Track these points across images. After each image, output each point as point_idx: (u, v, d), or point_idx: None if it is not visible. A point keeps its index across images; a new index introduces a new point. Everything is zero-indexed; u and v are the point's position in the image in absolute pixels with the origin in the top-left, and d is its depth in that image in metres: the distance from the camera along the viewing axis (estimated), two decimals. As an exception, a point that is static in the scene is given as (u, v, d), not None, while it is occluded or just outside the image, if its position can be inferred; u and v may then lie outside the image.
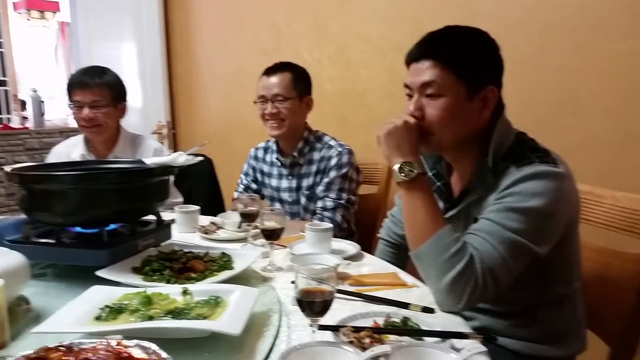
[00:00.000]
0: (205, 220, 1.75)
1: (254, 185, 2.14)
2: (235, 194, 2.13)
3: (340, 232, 1.86)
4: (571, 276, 1.22)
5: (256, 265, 1.25)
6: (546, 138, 1.20)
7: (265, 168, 2.11)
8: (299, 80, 1.98)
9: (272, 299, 1.05)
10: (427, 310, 1.01)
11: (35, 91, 5.48)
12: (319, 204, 1.93)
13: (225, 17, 3.28)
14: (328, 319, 0.86)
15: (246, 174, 2.17)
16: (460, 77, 1.12)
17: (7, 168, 1.17)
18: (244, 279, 1.16)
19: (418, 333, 0.89)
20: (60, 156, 2.14)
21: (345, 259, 1.33)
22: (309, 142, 2.00)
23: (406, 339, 0.86)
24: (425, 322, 0.94)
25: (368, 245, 1.78)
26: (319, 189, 1.94)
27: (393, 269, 1.31)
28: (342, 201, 1.91)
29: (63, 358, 0.68)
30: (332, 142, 2.00)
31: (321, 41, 2.75)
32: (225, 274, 1.12)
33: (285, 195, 2.04)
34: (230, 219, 1.65)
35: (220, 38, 3.34)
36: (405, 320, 0.93)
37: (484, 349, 0.82)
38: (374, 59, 2.53)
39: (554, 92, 1.97)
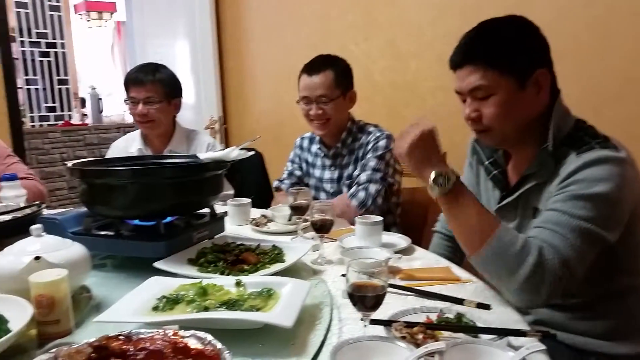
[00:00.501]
0: (256, 212, 1.77)
1: (298, 172, 2.13)
2: (276, 183, 2.14)
3: (379, 211, 1.82)
4: (636, 268, 1.16)
5: (306, 258, 1.26)
6: (607, 127, 1.15)
7: (310, 158, 2.11)
8: (341, 77, 1.94)
9: (322, 292, 1.05)
10: (483, 306, 0.99)
11: (93, 89, 5.73)
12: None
13: (275, 12, 3.30)
14: (379, 313, 0.86)
15: (292, 162, 2.16)
16: (504, 72, 1.10)
17: (69, 163, 1.22)
18: (294, 271, 1.17)
19: (473, 330, 0.87)
20: (119, 151, 2.23)
21: (396, 252, 1.31)
22: (351, 133, 1.98)
23: (461, 335, 0.84)
24: (481, 318, 0.92)
25: (419, 239, 1.75)
26: (356, 172, 1.92)
27: (446, 263, 1.29)
28: (376, 177, 1.86)
29: (123, 347, 0.71)
30: (372, 129, 1.97)
31: (370, 33, 2.72)
32: (277, 267, 1.13)
33: (327, 187, 2.03)
34: (280, 211, 1.66)
35: (270, 33, 3.37)
36: (460, 316, 0.91)
37: (543, 347, 0.79)
38: (424, 49, 2.48)
39: (616, 80, 1.87)
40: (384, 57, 2.68)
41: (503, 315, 0.97)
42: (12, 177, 1.56)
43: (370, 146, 1.91)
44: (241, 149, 1.30)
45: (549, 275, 0.97)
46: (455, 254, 1.44)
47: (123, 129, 5.34)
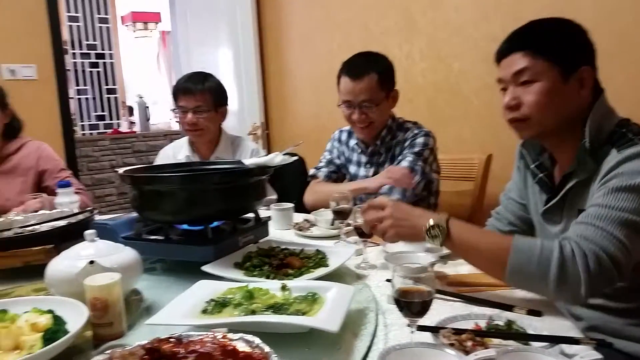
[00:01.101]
0: (299, 217, 1.78)
1: (337, 161, 2.08)
2: (312, 171, 2.10)
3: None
4: None
5: (350, 262, 1.26)
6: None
7: (347, 152, 2.07)
8: (385, 78, 1.87)
9: (367, 297, 1.05)
10: (533, 313, 0.96)
11: (141, 97, 5.92)
12: None
13: (315, 18, 3.32)
14: (426, 319, 0.85)
15: (330, 152, 2.12)
16: (551, 60, 1.10)
17: (120, 170, 1.26)
18: (338, 276, 1.17)
19: (525, 337, 0.84)
20: (167, 157, 2.29)
21: (442, 257, 1.29)
22: (391, 131, 1.94)
23: (511, 343, 0.82)
24: (532, 325, 0.89)
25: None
26: None
27: (493, 269, 1.25)
28: (415, 164, 1.81)
29: (174, 349, 0.73)
30: (411, 126, 1.93)
31: (411, 35, 2.70)
32: (321, 271, 1.13)
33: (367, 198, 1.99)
34: (323, 216, 1.67)
35: (310, 39, 3.39)
36: (510, 323, 0.89)
37: (598, 355, 0.76)
38: (468, 49, 2.44)
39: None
40: (426, 58, 2.65)
41: (555, 322, 0.94)
42: (67, 184, 1.63)
43: (407, 143, 1.87)
44: (284, 154, 1.32)
45: (581, 263, 0.93)
46: None
47: (170, 136, 5.48)
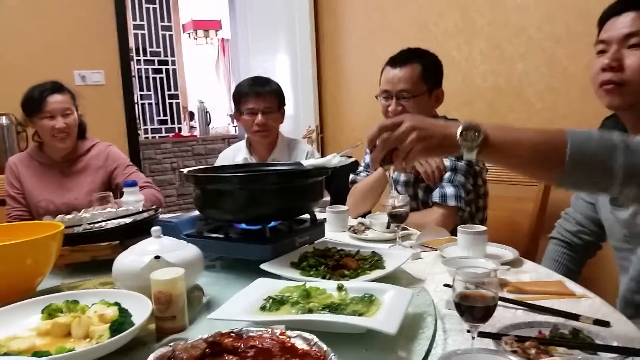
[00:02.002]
0: (353, 220, 1.78)
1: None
2: (352, 177, 2.05)
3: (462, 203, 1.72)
4: None
5: (406, 266, 1.24)
6: None
7: None
8: (430, 72, 1.79)
9: (425, 301, 1.03)
10: (601, 323, 0.91)
11: (201, 102, 6.12)
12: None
13: (373, 21, 3.32)
14: (486, 326, 0.82)
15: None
16: None
17: (184, 170, 1.31)
18: (394, 278, 1.16)
19: (592, 347, 0.80)
20: (227, 159, 2.37)
21: (503, 264, 1.25)
22: None
23: (577, 352, 0.78)
24: (599, 335, 0.84)
25: (527, 250, 1.66)
26: None
27: (558, 277, 1.20)
28: (459, 164, 1.73)
29: (234, 343, 0.74)
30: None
31: (471, 36, 2.64)
32: (377, 273, 1.12)
33: (401, 190, 1.90)
34: (378, 219, 1.65)
35: (367, 43, 3.39)
36: (576, 332, 0.85)
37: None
38: (531, 51, 2.35)
39: None
40: (487, 60, 2.58)
41: (624, 334, 0.88)
42: (133, 184, 1.71)
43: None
44: (342, 155, 1.32)
45: None
46: (573, 263, 1.36)
47: (227, 140, 5.64)
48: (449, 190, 1.74)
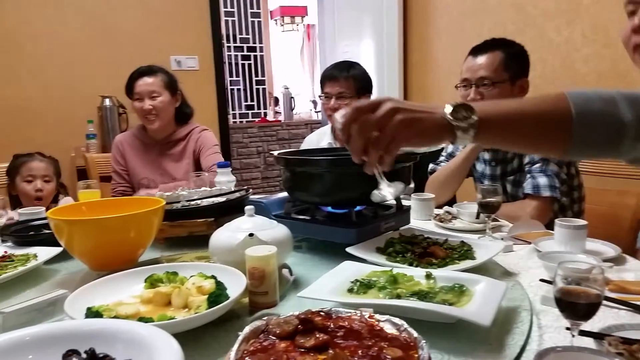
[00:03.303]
0: (439, 209, 1.74)
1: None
2: (431, 166, 2.01)
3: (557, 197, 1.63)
4: None
5: (497, 258, 1.19)
6: None
7: None
8: (513, 60, 1.70)
9: (519, 295, 0.99)
10: None
11: (286, 88, 6.23)
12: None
13: (466, 3, 3.19)
14: (586, 324, 0.77)
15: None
16: None
17: (275, 152, 1.34)
18: (485, 270, 1.12)
19: None
20: (311, 144, 2.41)
21: (604, 261, 1.17)
22: None
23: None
24: None
25: (629, 247, 1.54)
26: (526, 160, 1.71)
27: (669, 278, 1.10)
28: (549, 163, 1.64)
29: (324, 322, 0.75)
30: None
31: (573, 17, 2.46)
32: (467, 263, 1.09)
33: (485, 184, 1.84)
34: (466, 209, 1.60)
35: (458, 24, 3.27)
36: (693, 339, 0.77)
37: None
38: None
39: None
40: (590, 43, 2.40)
41: None
42: (225, 165, 1.78)
43: None
44: (432, 141, 1.28)
45: None
46: None
47: (310, 125, 5.71)
48: (542, 180, 1.66)
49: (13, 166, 2.26)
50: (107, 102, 3.64)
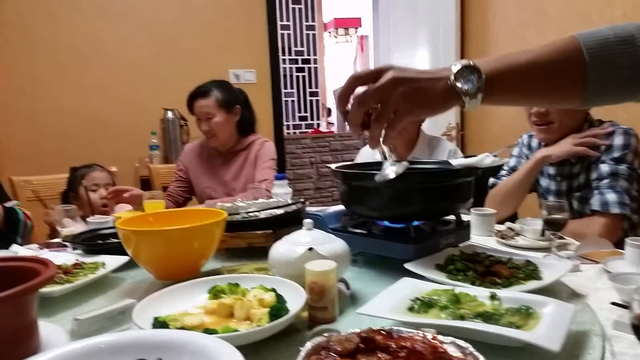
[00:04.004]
0: (501, 224, 1.69)
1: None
2: (492, 180, 1.95)
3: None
4: None
5: (564, 279, 1.14)
6: None
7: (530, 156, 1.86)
8: None
9: (589, 318, 0.94)
10: None
11: (340, 99, 6.26)
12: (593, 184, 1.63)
13: (526, 11, 3.11)
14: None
15: (517, 158, 1.94)
16: None
17: (333, 166, 1.35)
18: (551, 291, 1.07)
19: None
20: (366, 156, 2.39)
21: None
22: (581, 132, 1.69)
23: None
24: None
25: None
26: (593, 175, 1.64)
27: None
28: (620, 167, 1.57)
29: (386, 342, 0.74)
30: (606, 124, 1.66)
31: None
32: (533, 284, 1.05)
33: (550, 200, 1.76)
34: (530, 225, 1.55)
35: (517, 35, 3.19)
36: None
37: None
38: None
39: None
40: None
41: None
42: (282, 177, 1.80)
43: (603, 148, 1.62)
44: (495, 155, 1.25)
45: None
46: None
47: (363, 137, 5.70)
48: (611, 196, 1.58)
49: (74, 177, 2.38)
50: (170, 114, 3.78)
